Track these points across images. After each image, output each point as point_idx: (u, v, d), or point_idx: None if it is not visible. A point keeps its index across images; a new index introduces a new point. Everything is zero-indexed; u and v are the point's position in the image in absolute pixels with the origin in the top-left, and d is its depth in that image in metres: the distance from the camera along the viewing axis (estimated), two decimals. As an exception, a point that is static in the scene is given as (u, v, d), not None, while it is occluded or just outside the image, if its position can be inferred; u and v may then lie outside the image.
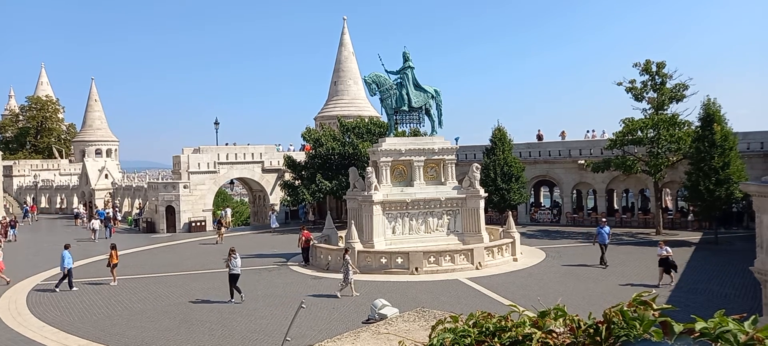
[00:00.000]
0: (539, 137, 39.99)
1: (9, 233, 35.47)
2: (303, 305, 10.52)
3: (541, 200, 45.61)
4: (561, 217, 37.94)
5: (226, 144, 43.42)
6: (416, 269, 21.64)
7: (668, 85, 30.18)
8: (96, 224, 36.33)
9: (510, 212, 27.75)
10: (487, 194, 26.82)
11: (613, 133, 31.64)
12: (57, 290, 20.08)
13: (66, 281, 20.41)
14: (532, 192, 41.38)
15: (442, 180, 25.72)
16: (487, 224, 27.22)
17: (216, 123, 47.14)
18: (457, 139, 32.25)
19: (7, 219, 38.01)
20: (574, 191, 38.77)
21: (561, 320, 1.92)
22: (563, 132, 39.42)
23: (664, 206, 34.71)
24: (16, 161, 64.77)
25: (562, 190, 38.33)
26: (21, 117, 78.09)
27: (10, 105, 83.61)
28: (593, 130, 39.42)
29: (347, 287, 18.54)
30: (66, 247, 21.16)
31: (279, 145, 44.86)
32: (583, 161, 35.59)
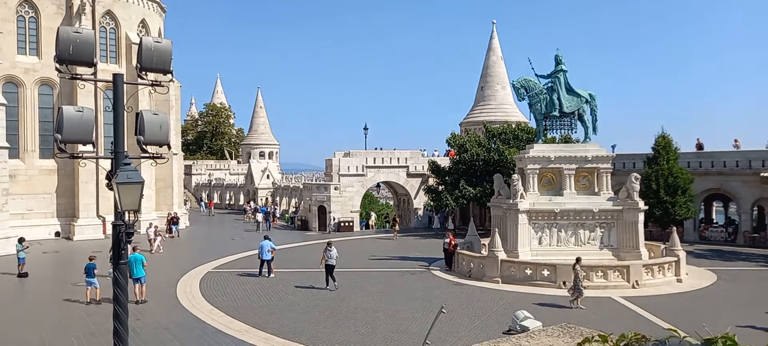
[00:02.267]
0: (699, 146, 35.89)
1: (173, 230, 36.22)
2: (443, 310, 10.48)
3: (713, 216, 40.77)
4: (737, 236, 33.58)
5: (375, 149, 45.04)
6: (564, 282, 20.51)
7: None
8: (259, 216, 41.18)
9: (674, 228, 25.19)
10: (647, 207, 24.60)
11: (806, 142, 27.37)
12: (272, 275, 22.36)
13: (266, 266, 22.63)
14: (702, 207, 37.19)
15: (596, 190, 24.14)
16: (647, 239, 25.00)
17: (365, 128, 49.18)
18: (613, 147, 30.17)
19: (171, 214, 38.21)
20: (755, 208, 34.12)
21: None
22: (736, 140, 35.00)
23: None
24: (195, 161, 73.42)
25: (740, 206, 33.90)
26: (199, 122, 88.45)
27: (191, 112, 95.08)
28: (780, 139, 34.43)
29: (580, 297, 17.80)
30: (266, 238, 23.66)
31: (424, 150, 45.48)
32: (766, 174, 31.21)
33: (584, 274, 18.85)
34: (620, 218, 23.33)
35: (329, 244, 21.19)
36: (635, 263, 21.41)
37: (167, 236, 34.94)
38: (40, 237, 33.32)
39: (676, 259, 22.08)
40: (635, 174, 24.42)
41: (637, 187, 23.57)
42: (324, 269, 20.68)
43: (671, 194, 30.03)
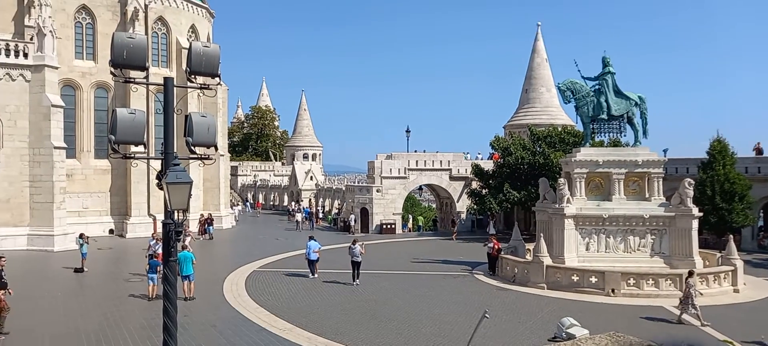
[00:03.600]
0: (758, 151, 34.17)
1: (207, 231, 35.72)
2: (487, 315, 10.35)
3: (773, 224, 38.78)
4: (799, 245, 31.85)
5: (416, 151, 44.93)
6: (612, 290, 19.93)
7: None
8: (299, 216, 42.94)
9: (731, 236, 24.08)
10: (701, 214, 23.64)
11: None
12: (315, 276, 22.67)
13: (311, 266, 22.90)
14: (761, 214, 35.43)
15: (646, 195, 23.36)
16: (701, 247, 24.04)
17: (407, 131, 49.19)
18: (665, 151, 29.09)
19: (205, 216, 37.38)
20: (819, 216, 32.31)
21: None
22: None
23: None
24: (240, 162, 75.03)
25: (802, 213, 32.18)
26: (245, 124, 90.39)
27: (237, 114, 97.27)
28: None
29: (694, 313, 16.52)
30: (311, 238, 23.90)
31: (467, 153, 45.08)
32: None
33: (697, 288, 17.39)
34: (673, 225, 22.51)
35: (354, 242, 22.04)
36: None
37: (200, 237, 34.78)
38: (95, 234, 34.59)
39: (732, 268, 21.12)
40: (689, 179, 23.50)
41: (691, 193, 22.68)
42: (351, 266, 21.82)
43: (728, 201, 28.77)
